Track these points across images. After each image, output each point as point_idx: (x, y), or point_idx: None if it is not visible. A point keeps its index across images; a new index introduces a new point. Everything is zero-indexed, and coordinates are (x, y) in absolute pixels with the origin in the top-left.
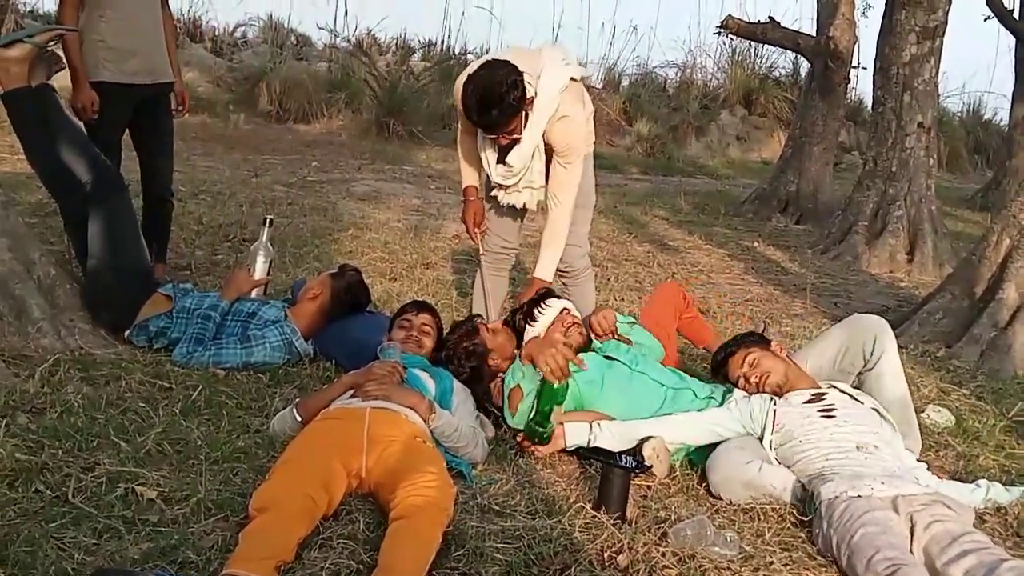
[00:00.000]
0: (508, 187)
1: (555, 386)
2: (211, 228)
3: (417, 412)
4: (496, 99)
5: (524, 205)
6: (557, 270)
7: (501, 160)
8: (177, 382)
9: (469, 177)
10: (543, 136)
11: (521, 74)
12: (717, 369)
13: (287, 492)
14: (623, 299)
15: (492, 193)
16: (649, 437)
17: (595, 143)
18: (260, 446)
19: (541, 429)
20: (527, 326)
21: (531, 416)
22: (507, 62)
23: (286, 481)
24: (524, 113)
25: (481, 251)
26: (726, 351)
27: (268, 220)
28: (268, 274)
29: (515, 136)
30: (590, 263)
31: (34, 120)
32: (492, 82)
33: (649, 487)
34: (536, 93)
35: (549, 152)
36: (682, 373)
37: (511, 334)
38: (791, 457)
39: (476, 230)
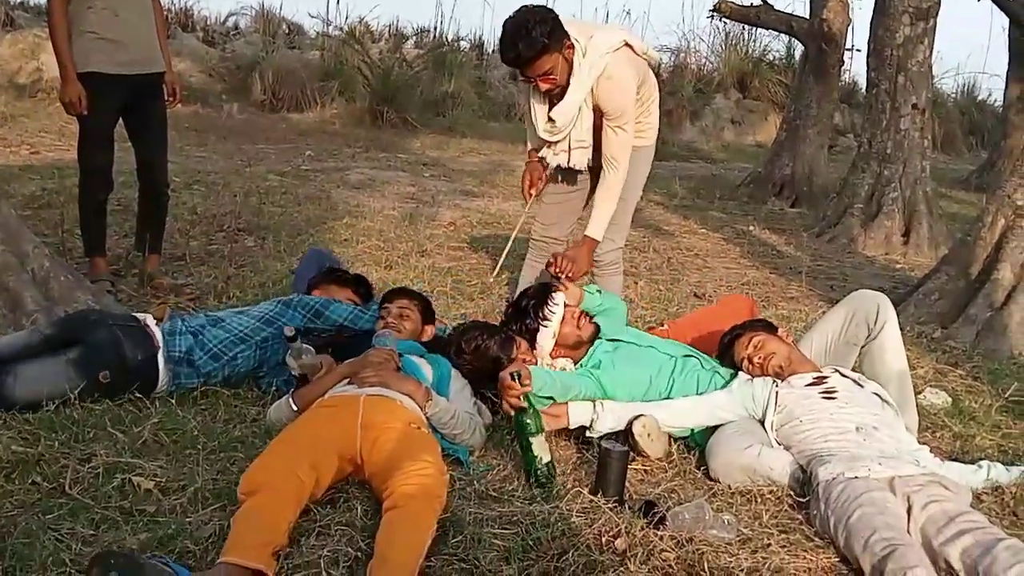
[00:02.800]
0: (557, 146)
1: (522, 420)
2: (206, 218)
3: (414, 399)
4: (523, 32)
5: (574, 165)
6: None
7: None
8: None
9: (534, 141)
10: (593, 97)
11: (554, 16)
12: (723, 351)
13: (275, 474)
14: None
15: (550, 171)
16: (640, 415)
17: None
18: (257, 435)
19: (539, 471)
20: (540, 327)
21: (525, 466)
22: (544, 7)
23: (273, 463)
24: (564, 60)
25: (531, 238)
26: (732, 334)
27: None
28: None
29: (552, 78)
30: (620, 259)
31: None
32: (521, 16)
33: (647, 471)
34: (585, 50)
35: (600, 116)
36: (687, 346)
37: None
38: (791, 437)
39: (531, 190)
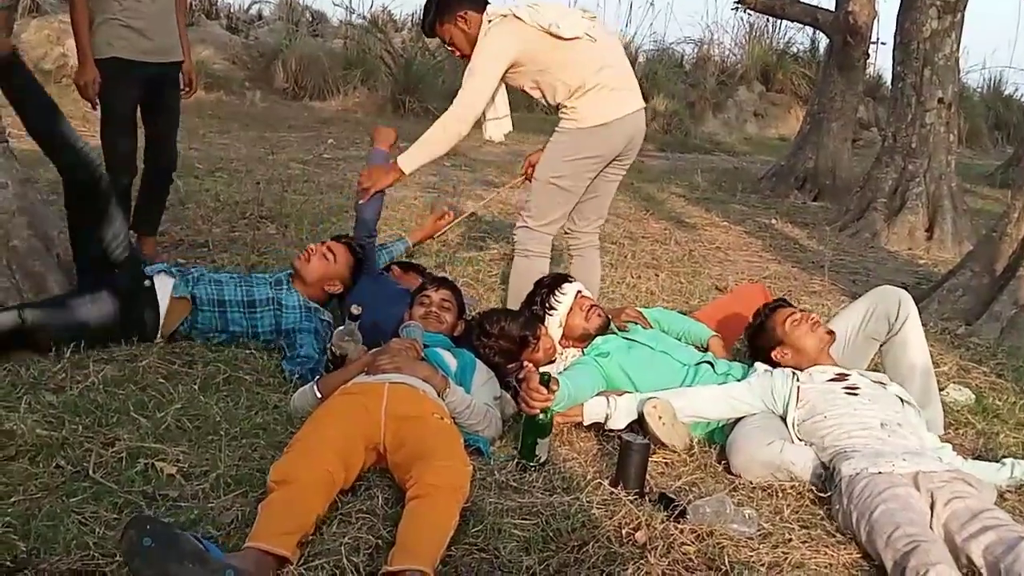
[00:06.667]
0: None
1: (536, 419)
2: (228, 205)
3: (431, 383)
4: (424, 6)
5: (491, 137)
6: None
7: None
8: (197, 356)
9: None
10: None
11: None
12: (758, 315)
13: (306, 465)
14: (639, 276)
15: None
16: (652, 398)
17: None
18: (279, 422)
19: (529, 463)
20: (547, 315)
21: (519, 448)
22: None
23: (305, 455)
24: (459, 31)
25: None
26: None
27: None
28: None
29: (453, 50)
30: (528, 241)
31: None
32: None
33: (667, 463)
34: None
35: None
36: (698, 351)
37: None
38: (814, 433)
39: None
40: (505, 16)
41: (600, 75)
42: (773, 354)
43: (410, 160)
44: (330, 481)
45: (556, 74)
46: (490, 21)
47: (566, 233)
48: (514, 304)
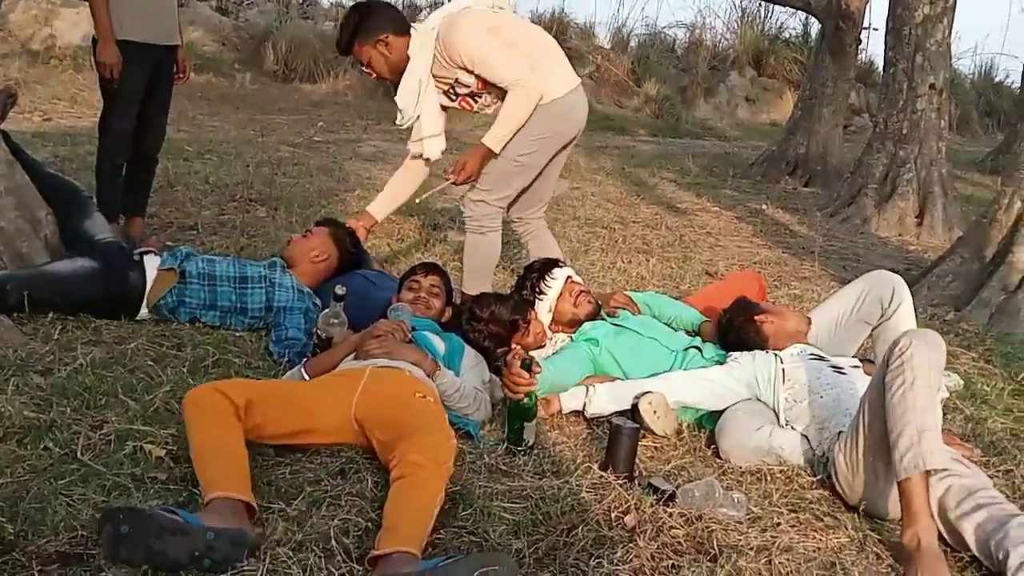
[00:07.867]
0: (413, 134)
1: (521, 403)
2: (218, 188)
3: (420, 367)
4: (341, 25)
5: (429, 156)
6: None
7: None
8: (186, 339)
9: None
10: (445, 68)
11: (367, 11)
12: (739, 302)
13: (202, 392)
14: (630, 261)
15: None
16: (647, 392)
17: (602, 103)
18: None
19: (518, 447)
20: (536, 300)
21: (507, 433)
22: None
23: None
24: (379, 54)
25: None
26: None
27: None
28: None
29: (369, 72)
30: (484, 217)
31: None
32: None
33: (657, 448)
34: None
35: (479, 85)
36: (688, 336)
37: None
38: (807, 414)
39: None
40: (458, 12)
41: (545, 51)
42: (756, 318)
43: (497, 138)
44: (227, 406)
45: (518, 48)
46: (434, 28)
47: (514, 221)
48: (470, 283)
